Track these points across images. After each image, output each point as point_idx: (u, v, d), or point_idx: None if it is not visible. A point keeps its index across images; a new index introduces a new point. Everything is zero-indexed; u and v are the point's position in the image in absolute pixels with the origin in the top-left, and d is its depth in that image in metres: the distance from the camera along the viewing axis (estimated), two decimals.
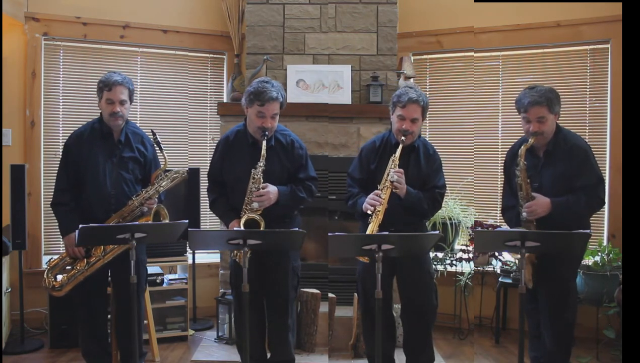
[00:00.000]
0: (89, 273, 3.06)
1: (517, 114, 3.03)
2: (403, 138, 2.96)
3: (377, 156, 3.09)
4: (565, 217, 2.87)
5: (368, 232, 2.83)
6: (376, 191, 2.92)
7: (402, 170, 2.92)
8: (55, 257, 3.20)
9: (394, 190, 2.89)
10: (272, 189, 2.91)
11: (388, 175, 2.92)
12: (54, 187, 3.21)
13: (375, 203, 2.87)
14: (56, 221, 3.23)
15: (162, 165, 3.18)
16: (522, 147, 2.93)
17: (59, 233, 3.20)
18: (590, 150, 3.00)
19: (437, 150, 3.18)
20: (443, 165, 3.17)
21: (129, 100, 3.15)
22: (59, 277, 3.09)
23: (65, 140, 3.25)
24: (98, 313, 3.21)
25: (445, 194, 3.18)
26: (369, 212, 2.88)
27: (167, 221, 3.14)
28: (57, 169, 3.21)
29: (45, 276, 3.11)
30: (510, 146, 3.24)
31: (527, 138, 2.96)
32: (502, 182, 3.29)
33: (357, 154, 3.27)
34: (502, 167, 3.26)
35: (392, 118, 3.07)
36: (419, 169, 3.04)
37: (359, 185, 3.10)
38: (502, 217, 3.22)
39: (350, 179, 3.16)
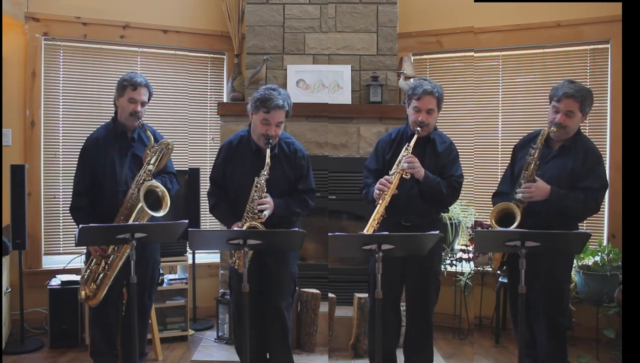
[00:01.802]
0: (114, 273, 3.04)
1: (543, 102, 3.01)
2: (419, 129, 2.98)
3: (392, 147, 3.11)
4: (558, 210, 2.85)
5: (373, 215, 2.86)
6: (386, 176, 2.94)
7: (414, 156, 2.93)
8: (82, 271, 3.17)
9: (406, 173, 2.90)
10: (270, 201, 2.91)
11: (399, 161, 2.95)
12: (71, 192, 3.20)
13: (384, 187, 2.90)
14: (54, 220, 3.23)
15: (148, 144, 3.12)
16: (545, 129, 2.91)
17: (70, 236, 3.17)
18: (602, 160, 2.98)
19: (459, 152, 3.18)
20: None
21: (147, 103, 3.19)
22: (89, 286, 3.08)
23: (64, 142, 3.25)
24: (113, 315, 3.20)
25: None
26: (376, 196, 2.91)
27: (160, 190, 3.03)
28: (56, 168, 3.22)
29: (81, 290, 3.09)
30: (510, 141, 3.22)
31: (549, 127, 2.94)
32: None
33: (360, 156, 3.26)
34: (512, 152, 3.22)
35: (408, 111, 3.09)
36: (435, 159, 3.04)
37: (375, 176, 3.10)
38: (491, 200, 3.21)
39: (367, 170, 3.19)
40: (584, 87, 2.94)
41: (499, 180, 3.32)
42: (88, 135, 3.26)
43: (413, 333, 3.12)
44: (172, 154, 3.20)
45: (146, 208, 2.93)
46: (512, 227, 2.84)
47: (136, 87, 3.10)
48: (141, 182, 3.03)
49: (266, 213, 2.87)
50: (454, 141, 3.11)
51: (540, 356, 2.99)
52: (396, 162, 2.97)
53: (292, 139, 3.16)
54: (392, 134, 3.18)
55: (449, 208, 3.86)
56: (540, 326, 2.96)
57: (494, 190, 3.25)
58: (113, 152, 3.13)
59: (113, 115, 3.23)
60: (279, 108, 2.91)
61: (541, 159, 2.94)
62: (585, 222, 3.83)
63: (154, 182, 3.03)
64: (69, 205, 3.20)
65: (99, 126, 3.30)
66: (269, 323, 3.06)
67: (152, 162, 3.07)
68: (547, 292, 2.92)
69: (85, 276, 3.10)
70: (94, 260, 3.07)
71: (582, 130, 3.06)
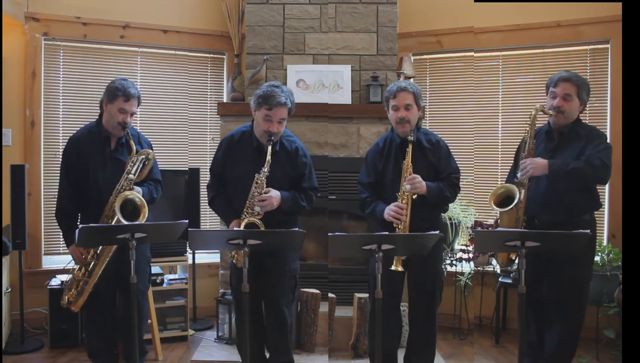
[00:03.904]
0: (94, 280, 3.05)
1: (545, 93, 3.00)
2: (404, 134, 2.98)
3: (383, 157, 3.10)
4: (564, 180, 2.83)
5: None
6: (397, 204, 2.92)
7: (413, 176, 2.92)
8: (68, 277, 3.20)
9: (414, 194, 2.92)
10: (275, 194, 2.91)
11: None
12: (56, 195, 3.20)
13: (399, 216, 2.90)
14: (54, 220, 3.22)
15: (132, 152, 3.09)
16: (539, 105, 2.92)
17: (64, 242, 3.19)
18: (605, 136, 2.96)
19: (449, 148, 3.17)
20: None
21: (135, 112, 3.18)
22: (70, 292, 3.11)
23: (64, 142, 3.25)
24: (106, 314, 3.20)
25: None
26: (395, 224, 2.91)
27: (138, 199, 3.00)
28: (57, 168, 3.21)
29: (64, 295, 3.14)
30: (510, 141, 3.21)
31: (548, 116, 2.95)
32: (502, 183, 3.28)
33: (360, 157, 3.27)
34: (514, 154, 3.21)
35: (389, 115, 3.08)
36: (427, 159, 3.03)
37: (369, 189, 3.11)
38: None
39: (361, 186, 3.17)
40: (579, 75, 2.95)
41: (501, 181, 3.31)
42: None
43: (417, 334, 3.12)
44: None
45: (122, 219, 2.91)
46: (513, 205, 2.86)
47: (129, 98, 3.05)
48: (121, 191, 3.01)
49: (257, 209, 2.87)
50: (454, 141, 3.10)
51: (549, 356, 2.97)
52: (401, 186, 2.93)
53: (295, 137, 3.15)
54: (380, 143, 3.16)
55: (449, 206, 3.85)
56: (556, 326, 2.94)
57: (494, 190, 3.24)
58: (96, 157, 3.11)
59: (97, 117, 3.19)
60: (281, 105, 2.90)
61: (544, 151, 2.95)
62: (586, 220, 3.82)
63: (133, 192, 3.01)
64: (55, 211, 3.20)
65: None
66: (268, 320, 3.06)
67: (132, 171, 3.05)
68: (567, 291, 2.91)
69: (69, 282, 3.14)
70: (77, 266, 3.10)
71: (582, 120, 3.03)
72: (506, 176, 3.30)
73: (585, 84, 2.94)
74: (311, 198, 3.09)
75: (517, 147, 3.17)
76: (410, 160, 2.93)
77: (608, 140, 3.02)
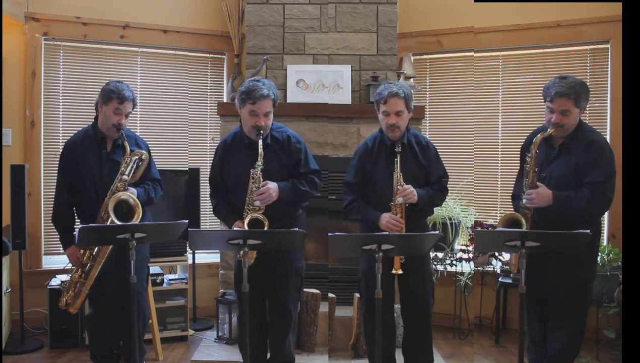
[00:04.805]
0: (91, 282, 3.06)
1: (543, 101, 2.96)
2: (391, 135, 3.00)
3: (372, 157, 3.09)
4: (566, 212, 2.82)
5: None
6: (394, 216, 2.93)
7: (404, 188, 2.92)
8: (66, 278, 3.23)
9: (406, 202, 2.94)
10: (273, 186, 2.91)
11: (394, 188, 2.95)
12: (53, 198, 3.21)
13: (396, 228, 2.92)
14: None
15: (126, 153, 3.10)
16: (539, 135, 2.88)
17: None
18: (608, 147, 2.90)
19: (437, 150, 3.17)
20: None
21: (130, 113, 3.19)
22: (68, 294, 3.13)
23: (64, 142, 3.26)
24: (108, 315, 3.20)
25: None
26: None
27: (132, 200, 3.00)
28: (57, 169, 3.21)
29: (62, 297, 3.16)
30: (510, 141, 3.20)
31: (547, 127, 2.91)
32: (502, 183, 3.27)
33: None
34: (519, 153, 3.17)
35: (379, 117, 3.08)
36: (417, 162, 3.04)
37: (355, 190, 3.10)
38: (511, 203, 3.21)
39: (346, 186, 3.15)
40: (576, 81, 2.86)
41: (500, 188, 3.30)
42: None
43: (412, 335, 3.12)
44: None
45: (115, 220, 2.91)
46: None
47: (123, 101, 3.06)
48: (115, 192, 3.02)
49: (257, 203, 2.87)
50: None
51: (552, 357, 2.97)
52: (394, 197, 2.95)
53: (285, 127, 3.14)
54: (369, 143, 3.15)
55: (449, 206, 3.85)
56: (559, 328, 2.93)
57: (494, 190, 3.25)
58: (92, 159, 3.11)
59: (93, 120, 3.20)
60: (265, 97, 2.90)
61: (545, 159, 2.93)
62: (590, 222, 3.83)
63: (126, 193, 3.01)
64: (52, 215, 3.21)
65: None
66: (273, 318, 3.06)
67: (126, 172, 3.05)
68: (570, 293, 2.90)
69: (66, 284, 3.15)
70: (74, 268, 3.11)
71: (584, 123, 2.98)
72: (505, 177, 3.29)
73: (583, 91, 2.85)
74: (313, 181, 3.06)
75: (519, 149, 3.15)
76: (400, 170, 2.94)
77: (609, 140, 3.00)
